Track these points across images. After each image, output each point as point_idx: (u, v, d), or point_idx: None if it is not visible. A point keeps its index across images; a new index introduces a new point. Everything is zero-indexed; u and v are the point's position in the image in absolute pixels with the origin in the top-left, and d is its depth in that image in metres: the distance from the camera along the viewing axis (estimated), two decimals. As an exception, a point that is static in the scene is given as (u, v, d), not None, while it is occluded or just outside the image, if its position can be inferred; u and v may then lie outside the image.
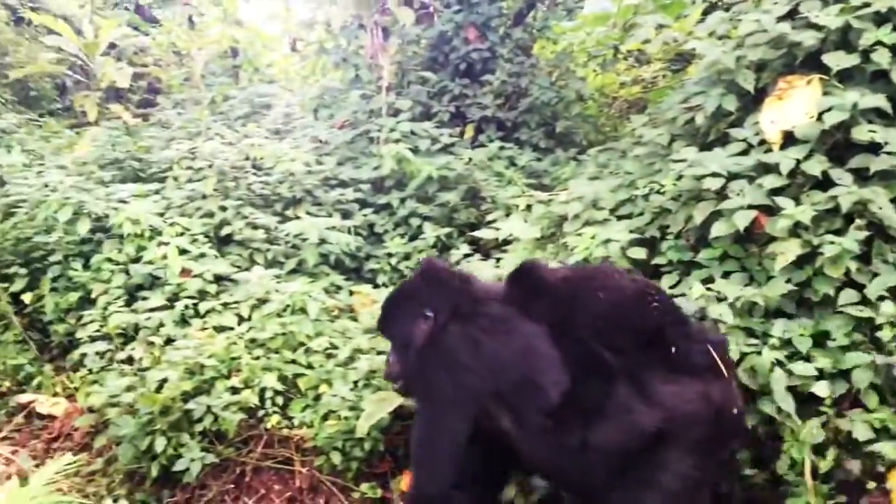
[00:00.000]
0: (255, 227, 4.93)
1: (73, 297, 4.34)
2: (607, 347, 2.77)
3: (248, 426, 3.65)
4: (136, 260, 4.46)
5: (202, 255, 4.53)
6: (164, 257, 4.41)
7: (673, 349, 2.80)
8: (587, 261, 3.63)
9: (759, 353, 3.06)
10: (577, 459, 2.77)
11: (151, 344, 3.96)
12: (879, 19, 3.49)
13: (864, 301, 3.07)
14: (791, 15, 3.73)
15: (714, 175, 3.44)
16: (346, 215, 5.38)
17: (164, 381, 3.54)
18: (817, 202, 3.23)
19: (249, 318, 4.12)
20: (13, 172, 5.33)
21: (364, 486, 3.45)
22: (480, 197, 5.53)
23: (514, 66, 6.58)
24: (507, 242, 4.46)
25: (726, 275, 3.40)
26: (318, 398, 3.64)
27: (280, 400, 3.69)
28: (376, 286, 4.83)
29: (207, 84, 7.90)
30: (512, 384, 2.79)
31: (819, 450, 2.99)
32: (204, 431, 3.49)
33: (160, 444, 3.36)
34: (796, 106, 3.45)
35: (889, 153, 3.24)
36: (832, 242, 3.06)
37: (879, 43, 3.40)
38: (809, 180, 3.34)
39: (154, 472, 3.39)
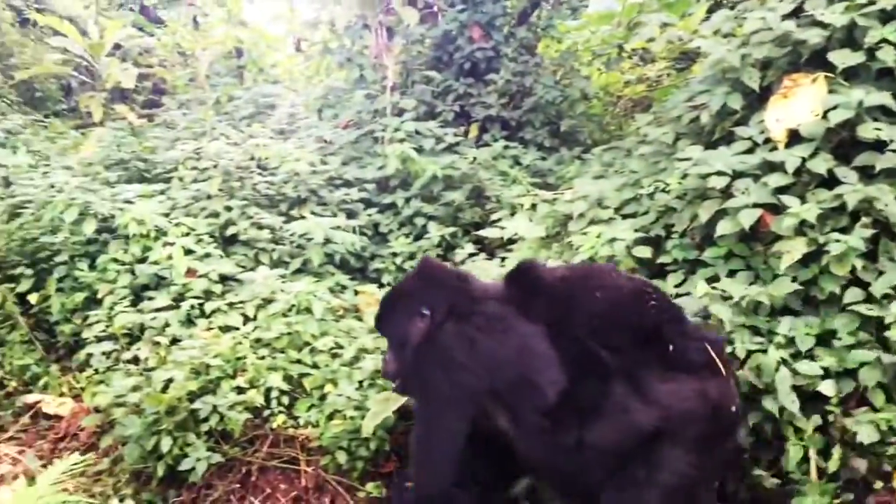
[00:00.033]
0: (261, 226, 4.94)
1: (79, 297, 4.34)
2: (604, 346, 2.77)
3: (254, 426, 3.65)
4: (142, 260, 4.47)
5: (207, 255, 4.54)
6: (170, 257, 4.42)
7: (670, 347, 2.80)
8: (592, 259, 3.63)
9: (765, 351, 3.06)
10: (573, 459, 2.78)
11: (157, 344, 3.96)
12: (885, 17, 3.48)
13: (870, 299, 3.07)
14: (796, 13, 3.72)
15: (719, 173, 3.43)
16: (350, 215, 5.38)
17: (170, 380, 3.55)
18: (823, 200, 3.22)
19: (255, 318, 4.13)
20: (19, 173, 5.34)
21: (370, 486, 3.45)
22: (485, 196, 5.53)
23: (518, 65, 6.58)
24: (511, 242, 4.45)
25: (731, 273, 3.39)
26: (323, 398, 3.65)
27: (285, 399, 3.70)
28: (381, 286, 4.83)
29: (212, 84, 7.90)
30: (508, 383, 2.79)
31: (824, 449, 2.99)
32: (210, 431, 3.50)
33: (166, 443, 3.36)
34: (802, 104, 3.45)
35: (895, 151, 3.23)
36: (838, 241, 3.06)
37: (885, 41, 3.40)
38: (815, 178, 3.33)
39: (160, 471, 3.39)
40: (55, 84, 8.41)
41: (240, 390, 3.63)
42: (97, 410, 3.74)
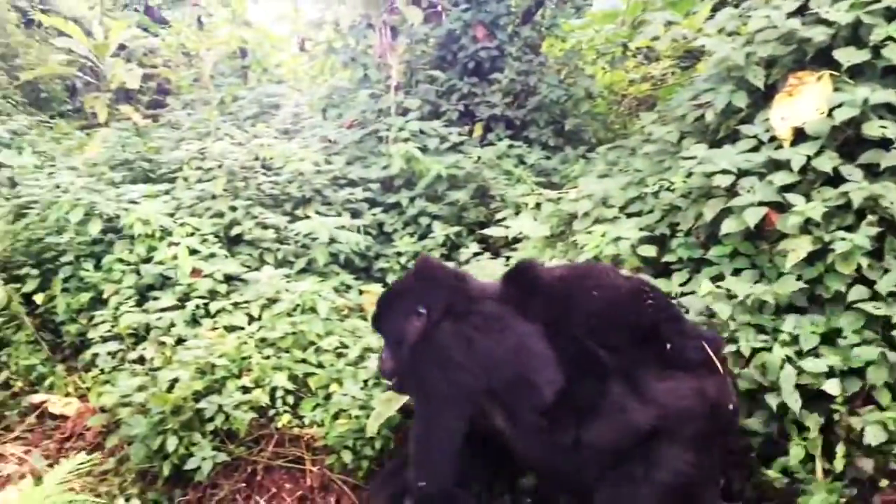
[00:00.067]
0: (265, 226, 4.94)
1: (85, 297, 4.35)
2: (602, 346, 2.77)
3: (259, 425, 3.66)
4: (147, 260, 4.48)
5: (212, 255, 4.54)
6: (175, 257, 4.42)
7: (667, 346, 2.79)
8: (597, 258, 3.63)
9: (770, 349, 3.05)
10: (570, 458, 2.78)
11: (162, 344, 3.97)
12: (890, 15, 3.47)
13: (876, 297, 3.06)
14: (801, 11, 3.72)
15: (724, 172, 3.43)
16: (355, 214, 5.38)
17: (176, 380, 3.55)
18: (828, 198, 3.22)
19: (260, 318, 4.13)
20: (25, 174, 5.36)
21: (375, 485, 3.45)
22: (489, 195, 5.52)
23: (522, 64, 6.57)
24: (516, 241, 4.46)
25: (737, 272, 3.39)
26: (328, 397, 3.65)
27: (291, 399, 3.70)
28: (386, 285, 4.83)
29: (217, 85, 7.92)
30: (505, 382, 2.80)
31: (829, 448, 2.98)
32: (215, 431, 3.50)
33: (172, 443, 3.37)
34: (807, 102, 3.44)
35: (900, 149, 3.22)
36: (843, 239, 3.05)
37: (890, 38, 3.39)
38: (820, 177, 3.33)
39: (166, 471, 3.40)
40: (60, 85, 8.44)
41: (245, 390, 3.63)
42: (103, 410, 3.75)
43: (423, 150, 5.65)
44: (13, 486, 3.30)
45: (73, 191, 4.72)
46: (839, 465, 2.92)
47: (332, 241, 4.85)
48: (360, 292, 4.59)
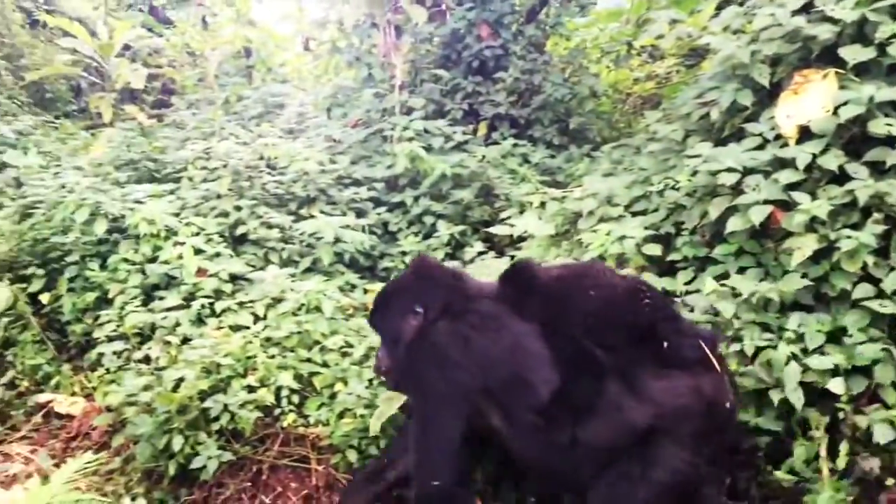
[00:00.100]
0: (270, 226, 4.94)
1: (91, 297, 4.36)
2: (599, 345, 2.77)
3: (265, 424, 3.66)
4: (153, 260, 4.48)
5: (217, 255, 4.55)
6: (180, 257, 4.43)
7: (664, 345, 2.79)
8: (602, 257, 3.62)
9: (775, 347, 3.05)
10: (567, 457, 2.78)
11: (168, 343, 3.98)
12: (895, 12, 3.46)
13: (881, 295, 3.05)
14: (806, 8, 3.71)
15: (729, 170, 3.42)
16: (360, 214, 5.39)
17: (181, 380, 3.56)
18: (834, 196, 3.21)
19: (265, 317, 4.13)
20: (30, 174, 5.36)
21: (380, 484, 3.45)
22: (494, 194, 5.52)
23: (527, 63, 6.57)
24: (521, 239, 4.45)
25: (742, 270, 3.38)
26: (333, 396, 3.65)
27: (296, 398, 3.70)
28: (390, 285, 4.83)
29: (221, 84, 7.94)
30: (501, 381, 2.80)
31: (835, 447, 2.97)
32: (221, 430, 3.51)
33: (177, 442, 3.37)
34: (812, 100, 3.43)
35: (906, 146, 3.21)
36: (849, 237, 3.05)
37: (895, 36, 3.38)
38: (826, 175, 3.32)
39: (171, 470, 3.40)
40: (65, 85, 8.46)
41: (250, 389, 3.64)
42: (109, 409, 3.75)
43: (428, 149, 5.65)
44: (20, 486, 3.30)
45: (78, 191, 4.73)
46: (841, 462, 2.91)
47: (337, 240, 4.86)
48: (365, 291, 4.59)
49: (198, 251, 4.49)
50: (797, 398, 2.93)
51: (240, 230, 4.88)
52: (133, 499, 3.36)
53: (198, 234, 4.62)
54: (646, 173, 4.11)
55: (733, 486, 3.08)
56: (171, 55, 8.30)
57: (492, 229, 4.67)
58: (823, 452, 2.97)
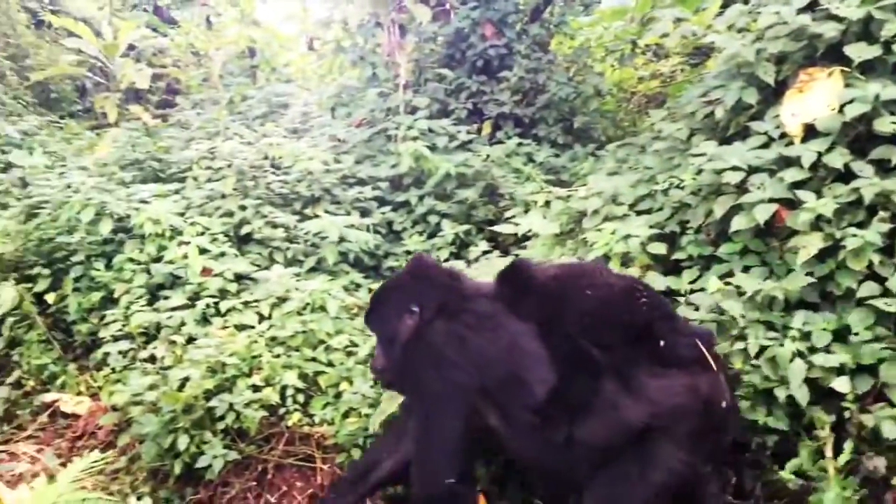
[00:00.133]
0: (275, 225, 4.95)
1: (96, 296, 4.37)
2: (595, 344, 2.76)
3: (270, 424, 3.67)
4: (158, 259, 4.49)
5: (222, 254, 4.56)
6: (185, 257, 4.44)
7: (661, 343, 2.79)
8: (607, 256, 3.62)
9: (781, 344, 3.04)
10: (563, 455, 2.77)
11: (173, 343, 3.99)
12: (901, 10, 3.45)
13: (887, 294, 3.04)
14: (811, 7, 3.69)
15: (734, 169, 3.42)
16: (364, 213, 5.39)
17: (187, 379, 3.57)
18: (839, 195, 3.20)
19: (270, 317, 4.14)
20: (35, 174, 5.38)
21: (385, 483, 3.45)
22: (498, 194, 5.53)
23: (531, 62, 6.57)
24: (526, 238, 4.45)
25: (747, 269, 3.37)
26: (338, 396, 3.66)
27: (301, 398, 3.71)
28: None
29: (225, 84, 7.95)
30: (498, 381, 2.80)
31: (841, 446, 2.97)
32: (226, 429, 3.51)
33: (183, 441, 3.38)
34: (817, 98, 3.42)
35: (912, 144, 3.20)
36: (854, 235, 3.03)
37: (901, 34, 3.37)
38: (831, 173, 3.31)
39: (177, 469, 3.41)
40: (70, 85, 8.49)
41: (255, 388, 3.64)
42: (114, 409, 3.76)
43: (432, 148, 5.65)
44: (26, 485, 3.31)
45: (83, 191, 4.74)
46: (843, 459, 2.90)
47: (342, 239, 4.86)
48: (370, 291, 4.60)
49: (203, 251, 4.50)
50: (802, 395, 2.93)
51: (244, 230, 4.89)
52: (139, 498, 3.36)
53: (203, 233, 4.63)
54: (651, 172, 4.10)
55: (739, 485, 3.08)
56: (175, 55, 8.31)
57: (496, 228, 4.67)
58: (829, 451, 2.96)
